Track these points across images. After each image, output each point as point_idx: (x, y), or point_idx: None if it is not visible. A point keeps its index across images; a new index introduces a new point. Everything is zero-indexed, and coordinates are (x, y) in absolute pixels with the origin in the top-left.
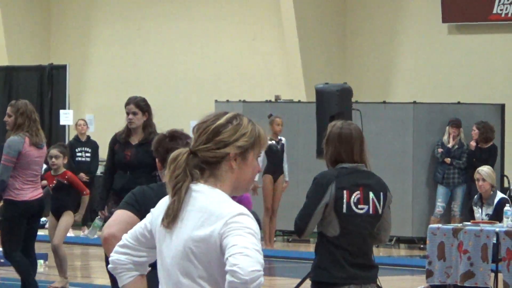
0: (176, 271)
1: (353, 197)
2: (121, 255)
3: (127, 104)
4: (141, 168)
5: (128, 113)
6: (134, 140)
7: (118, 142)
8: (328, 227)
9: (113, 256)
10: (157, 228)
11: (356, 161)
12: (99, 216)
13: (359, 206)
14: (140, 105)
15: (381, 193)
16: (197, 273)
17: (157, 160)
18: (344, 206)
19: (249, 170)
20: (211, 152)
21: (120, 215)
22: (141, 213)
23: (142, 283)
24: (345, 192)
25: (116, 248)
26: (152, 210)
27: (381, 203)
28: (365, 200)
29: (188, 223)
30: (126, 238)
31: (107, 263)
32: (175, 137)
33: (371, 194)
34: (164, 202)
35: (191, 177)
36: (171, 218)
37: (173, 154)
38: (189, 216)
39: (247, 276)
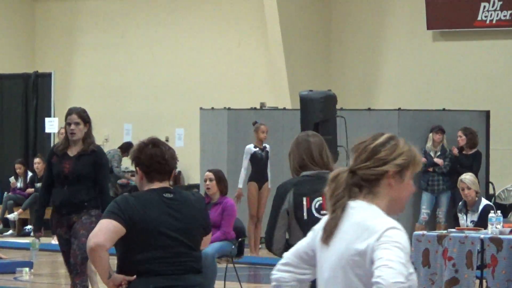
0: (333, 284)
1: (314, 203)
2: (284, 273)
3: (68, 114)
4: (80, 180)
5: (70, 124)
6: (73, 151)
7: (56, 155)
8: (292, 236)
9: (276, 274)
10: (317, 244)
11: (318, 164)
12: (34, 237)
13: (322, 212)
14: (82, 116)
15: None
16: (354, 286)
17: (137, 169)
18: (305, 213)
19: (405, 189)
20: (370, 170)
21: (105, 224)
22: (126, 221)
23: None
24: (304, 198)
25: (278, 266)
26: (314, 227)
27: None
28: None
29: (345, 238)
30: (288, 256)
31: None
32: (158, 144)
33: None
34: (325, 219)
35: (350, 194)
36: (329, 234)
37: (333, 173)
38: (346, 230)
39: (389, 287)
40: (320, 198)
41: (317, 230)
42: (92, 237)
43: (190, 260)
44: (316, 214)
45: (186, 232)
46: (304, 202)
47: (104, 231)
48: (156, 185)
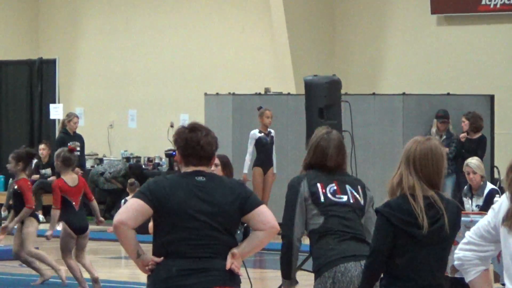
0: None
1: (328, 188)
2: (467, 251)
3: None
4: None
5: None
6: None
7: None
8: (312, 220)
9: (458, 254)
10: (500, 226)
11: (332, 165)
12: None
13: (337, 196)
14: None
15: (358, 186)
16: None
17: (177, 152)
18: (321, 196)
19: None
20: None
21: (131, 203)
22: (152, 202)
23: (487, 277)
24: (319, 185)
25: (461, 245)
26: (493, 206)
27: (361, 196)
28: (342, 191)
29: None
30: (470, 235)
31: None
32: (195, 129)
33: (347, 186)
34: (504, 200)
35: None
36: (511, 221)
37: (510, 163)
38: None
39: None
40: (333, 184)
41: (497, 209)
42: (117, 214)
43: (219, 243)
44: (331, 197)
45: (215, 216)
46: (319, 188)
47: (129, 209)
48: (191, 168)
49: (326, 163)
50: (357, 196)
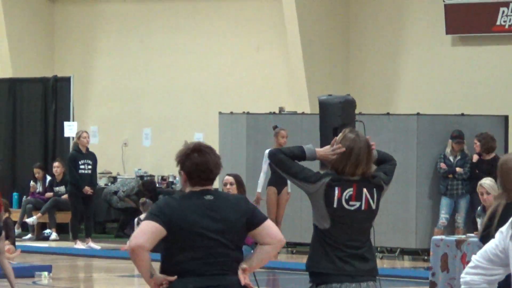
0: None
1: (345, 193)
2: (474, 276)
3: None
4: None
5: None
6: None
7: None
8: (320, 220)
9: (465, 278)
10: (509, 244)
11: (356, 172)
12: None
13: (350, 203)
14: None
15: (374, 189)
16: None
17: (182, 173)
18: (335, 201)
19: None
20: None
21: (146, 225)
22: (165, 223)
23: None
24: (337, 188)
25: (467, 269)
26: (501, 229)
27: (375, 199)
28: (358, 197)
29: None
30: (477, 259)
31: None
32: (202, 152)
33: (364, 190)
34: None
35: None
36: None
37: None
38: None
39: None
40: (351, 188)
41: (505, 232)
42: (133, 238)
43: (230, 260)
44: (344, 204)
45: (225, 233)
46: (336, 192)
47: (145, 232)
48: (198, 188)
49: (356, 171)
50: (370, 201)
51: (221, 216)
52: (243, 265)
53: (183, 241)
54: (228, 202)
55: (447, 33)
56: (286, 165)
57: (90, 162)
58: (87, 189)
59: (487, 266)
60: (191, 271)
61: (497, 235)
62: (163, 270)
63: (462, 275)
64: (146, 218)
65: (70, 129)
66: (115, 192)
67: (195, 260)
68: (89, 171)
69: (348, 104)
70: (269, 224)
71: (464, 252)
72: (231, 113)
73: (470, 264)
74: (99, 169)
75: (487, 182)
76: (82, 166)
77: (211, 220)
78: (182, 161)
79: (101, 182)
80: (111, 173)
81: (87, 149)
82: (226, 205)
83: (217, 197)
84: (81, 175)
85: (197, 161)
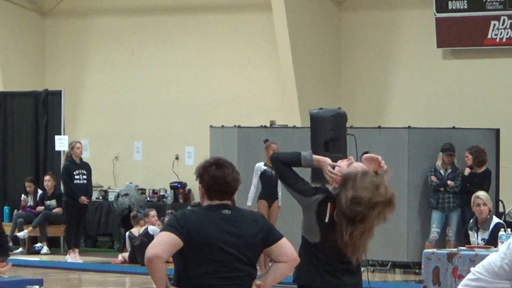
0: None
1: (336, 210)
2: None
3: None
4: None
5: None
6: None
7: None
8: (310, 234)
9: None
10: None
11: None
12: None
13: None
14: None
15: None
16: None
17: (200, 186)
18: (327, 217)
19: None
20: None
21: (163, 236)
22: (183, 235)
23: None
24: (329, 204)
25: (466, 281)
26: (507, 242)
27: None
28: None
29: None
30: (478, 271)
31: None
32: (221, 165)
33: None
34: None
35: None
36: None
37: None
38: None
39: None
40: None
41: (509, 244)
42: (150, 248)
43: (246, 275)
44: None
45: (242, 248)
46: (329, 207)
47: (162, 243)
48: (216, 202)
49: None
50: None
51: (239, 231)
52: (257, 282)
53: (200, 254)
54: (246, 218)
55: (438, 46)
56: (283, 174)
57: (85, 172)
58: (83, 199)
59: (491, 280)
60: (207, 285)
61: (503, 247)
62: (178, 283)
63: (460, 286)
64: (163, 229)
65: (61, 143)
66: (129, 208)
67: (211, 274)
68: (84, 181)
69: (339, 118)
70: (285, 242)
71: (456, 266)
72: (222, 126)
73: (470, 276)
74: None
75: (482, 193)
76: (77, 177)
77: (229, 234)
78: (201, 174)
79: (93, 195)
80: (102, 186)
81: (81, 159)
82: (244, 220)
83: (235, 211)
84: (76, 185)
85: (215, 174)
